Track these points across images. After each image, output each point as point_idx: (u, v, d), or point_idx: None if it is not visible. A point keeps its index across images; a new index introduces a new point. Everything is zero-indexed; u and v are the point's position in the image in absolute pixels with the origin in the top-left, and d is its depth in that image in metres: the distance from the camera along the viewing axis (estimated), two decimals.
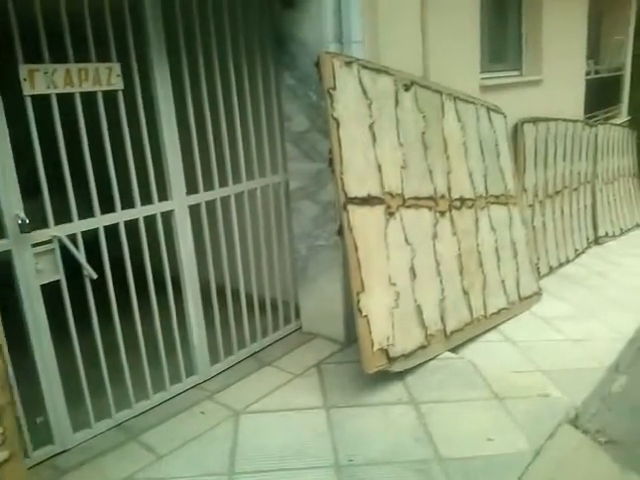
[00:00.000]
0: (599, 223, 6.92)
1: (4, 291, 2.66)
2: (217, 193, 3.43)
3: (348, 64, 3.34)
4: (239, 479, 2.68)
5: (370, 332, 3.23)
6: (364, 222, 3.32)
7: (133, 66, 2.92)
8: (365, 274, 3.25)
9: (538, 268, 5.54)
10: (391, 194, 3.54)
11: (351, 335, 3.71)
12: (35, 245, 2.68)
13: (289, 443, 2.90)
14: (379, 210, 3.44)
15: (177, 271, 3.33)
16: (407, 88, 3.78)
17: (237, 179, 3.55)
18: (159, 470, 2.76)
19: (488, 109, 4.79)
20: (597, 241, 6.86)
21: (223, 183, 3.47)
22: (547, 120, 5.82)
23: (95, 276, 2.86)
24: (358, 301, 3.20)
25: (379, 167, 3.48)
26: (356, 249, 3.22)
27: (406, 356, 3.46)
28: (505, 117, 5.05)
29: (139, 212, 3.06)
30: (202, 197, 3.35)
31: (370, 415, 3.13)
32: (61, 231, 2.74)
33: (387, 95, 3.61)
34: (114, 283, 3.04)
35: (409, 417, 3.10)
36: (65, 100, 2.70)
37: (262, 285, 3.89)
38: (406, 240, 3.61)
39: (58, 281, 2.79)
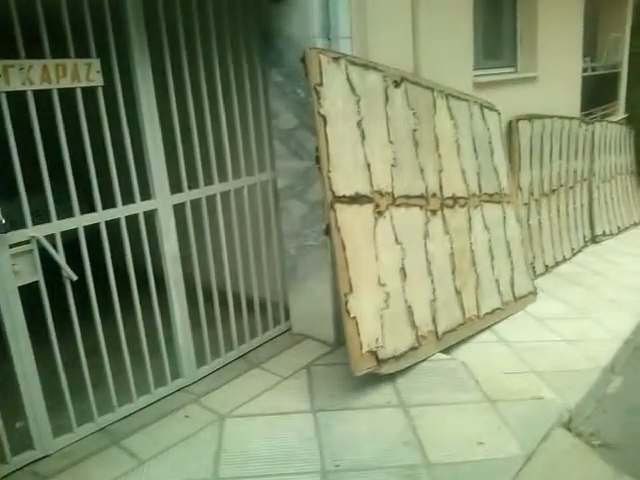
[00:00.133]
0: (596, 221, 6.85)
1: None
2: (202, 192, 3.36)
3: (335, 60, 3.27)
4: None
5: (359, 334, 3.16)
6: (352, 221, 3.25)
7: (113, 62, 2.85)
8: (353, 274, 3.18)
9: (534, 267, 5.47)
10: (380, 193, 3.47)
11: (341, 336, 3.64)
12: (12, 246, 2.61)
13: (275, 448, 2.84)
14: (368, 209, 3.37)
15: (162, 271, 3.25)
16: (397, 84, 3.71)
17: (223, 178, 3.48)
18: (141, 476, 2.69)
19: (481, 106, 4.72)
20: (594, 240, 6.79)
21: (209, 182, 3.40)
22: (542, 117, 5.75)
23: (75, 277, 2.80)
24: (346, 302, 3.13)
25: (368, 165, 3.40)
26: (344, 249, 3.15)
27: (396, 358, 3.39)
28: (499, 114, 4.98)
29: (120, 212, 2.99)
30: (187, 196, 3.28)
31: (358, 419, 3.06)
32: (39, 232, 2.67)
33: (376, 92, 3.54)
34: (97, 284, 2.97)
35: (398, 421, 3.03)
36: (43, 97, 2.63)
37: (250, 285, 3.82)
38: (396, 239, 3.53)
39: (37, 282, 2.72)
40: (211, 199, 3.42)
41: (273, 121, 3.70)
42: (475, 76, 4.93)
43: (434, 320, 3.75)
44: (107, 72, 2.85)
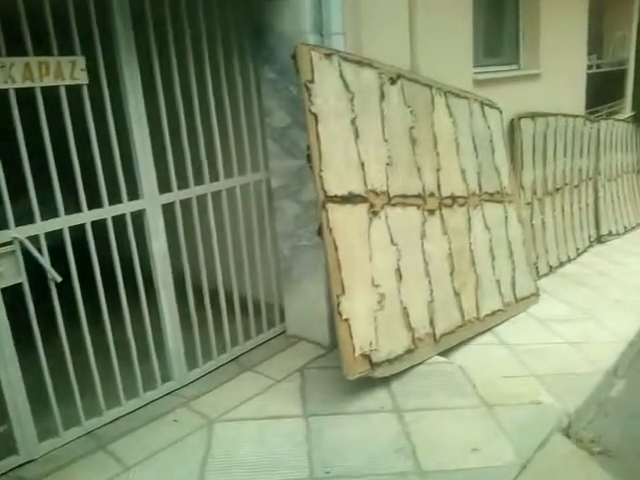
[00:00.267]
0: (602, 221, 6.72)
1: None
2: (193, 192, 3.30)
3: (328, 56, 3.19)
4: None
5: (351, 336, 3.09)
6: (345, 221, 3.18)
7: (99, 59, 2.79)
8: (346, 276, 3.10)
9: (537, 268, 5.37)
10: (375, 192, 3.39)
11: (336, 339, 3.52)
12: None
13: (263, 454, 2.77)
14: (362, 209, 3.30)
15: (151, 272, 3.20)
16: (393, 82, 3.63)
17: (215, 177, 3.42)
18: None
19: (482, 104, 4.63)
20: (600, 240, 6.66)
21: (199, 181, 3.33)
22: (546, 115, 5.64)
23: (59, 279, 2.74)
24: (338, 304, 3.05)
25: (362, 164, 3.33)
26: (336, 249, 3.08)
27: (391, 361, 3.32)
28: (501, 112, 4.88)
29: (107, 212, 2.93)
30: (176, 196, 3.22)
31: (351, 424, 2.99)
32: (22, 233, 2.61)
33: (371, 89, 3.46)
34: (86, 286, 2.92)
35: (392, 426, 2.96)
36: (26, 95, 2.58)
37: (244, 287, 3.75)
38: (391, 240, 3.46)
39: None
40: (202, 199, 3.35)
41: (266, 119, 3.63)
42: (475, 73, 4.84)
43: (431, 322, 3.67)
44: (93, 70, 2.79)
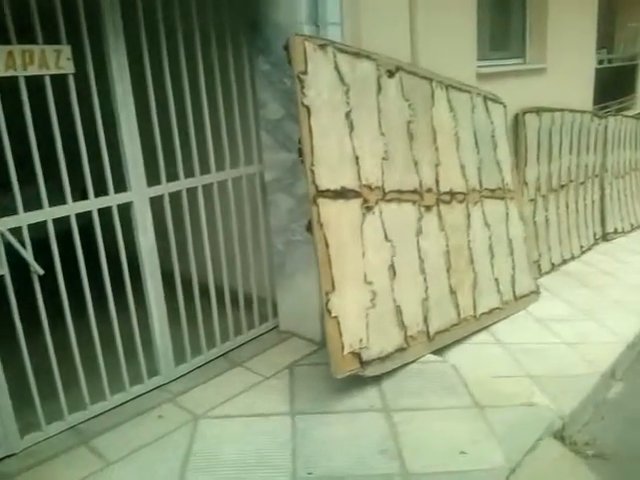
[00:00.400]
0: (608, 219, 6.60)
1: None
2: (182, 184, 3.24)
3: (322, 47, 3.12)
4: None
5: (340, 334, 3.03)
6: (337, 217, 3.11)
7: (85, 47, 2.73)
8: (336, 272, 3.04)
9: (539, 265, 5.29)
10: (369, 187, 3.32)
11: None
12: None
13: (246, 452, 2.72)
14: (355, 204, 3.23)
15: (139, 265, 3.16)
16: (391, 74, 3.55)
17: (206, 170, 3.36)
18: (106, 478, 2.60)
19: (485, 98, 4.53)
20: (605, 237, 6.55)
21: (189, 174, 3.27)
22: (552, 110, 5.53)
23: (41, 272, 2.70)
24: (327, 301, 2.99)
25: (356, 158, 3.26)
26: (327, 246, 3.02)
27: (382, 359, 3.26)
28: (505, 107, 4.79)
29: (93, 204, 2.88)
30: (165, 188, 3.17)
31: (338, 423, 2.94)
32: (3, 225, 2.57)
33: (368, 81, 3.38)
34: (73, 279, 2.88)
35: (380, 426, 2.90)
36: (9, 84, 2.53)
37: (235, 281, 3.70)
38: (385, 236, 3.39)
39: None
40: (192, 192, 3.29)
41: (260, 111, 3.57)
42: (479, 67, 4.74)
43: (425, 320, 3.60)
44: (80, 59, 2.74)
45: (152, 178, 3.12)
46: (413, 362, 3.47)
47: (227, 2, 3.31)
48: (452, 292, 3.87)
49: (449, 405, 3.07)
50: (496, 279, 4.35)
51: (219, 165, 3.43)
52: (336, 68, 3.19)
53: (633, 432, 3.16)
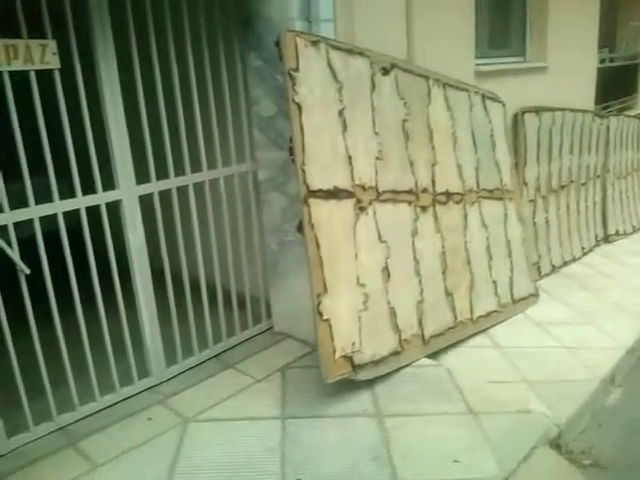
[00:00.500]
0: (609, 220, 6.53)
1: None
2: (172, 182, 3.19)
3: (314, 43, 3.05)
4: None
5: (332, 337, 2.97)
6: (329, 217, 3.05)
7: (72, 42, 2.67)
8: (328, 274, 2.98)
9: (539, 267, 5.22)
10: (363, 187, 3.26)
11: None
12: None
13: (235, 457, 2.67)
14: (348, 204, 3.16)
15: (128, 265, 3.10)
16: (386, 72, 3.48)
17: (197, 168, 3.30)
18: None
19: (484, 97, 4.46)
20: (607, 239, 6.47)
21: (180, 172, 3.21)
22: (552, 110, 5.46)
23: (27, 271, 2.65)
24: (318, 303, 2.93)
25: (349, 157, 3.19)
26: (318, 247, 2.95)
27: (375, 363, 3.20)
28: (504, 106, 4.72)
29: (80, 202, 2.82)
30: (155, 187, 3.11)
31: (329, 428, 2.87)
32: None
33: (361, 79, 3.32)
34: (63, 278, 2.83)
35: (371, 432, 2.84)
36: None
37: (229, 282, 3.63)
38: (379, 237, 3.32)
39: None
40: (183, 190, 3.23)
41: (253, 109, 3.51)
42: (478, 65, 4.67)
43: (420, 323, 3.54)
44: (68, 54, 2.68)
45: (142, 176, 3.06)
46: (408, 366, 3.41)
47: None
48: (448, 294, 3.80)
49: (443, 411, 3.01)
50: (494, 281, 4.28)
51: (211, 163, 3.37)
52: (329, 65, 3.12)
53: (631, 440, 3.10)
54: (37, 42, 2.57)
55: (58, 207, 2.75)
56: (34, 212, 2.67)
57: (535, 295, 4.69)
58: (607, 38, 6.96)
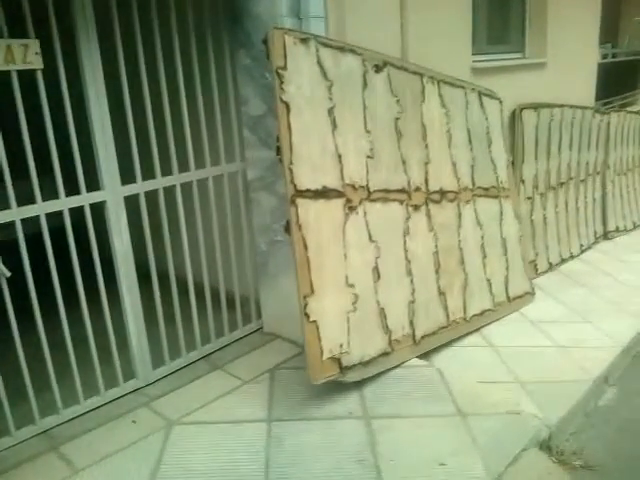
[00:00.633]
0: (609, 217, 6.46)
1: None
2: (159, 183, 3.15)
3: (304, 41, 3.00)
4: None
5: (319, 339, 2.93)
6: (317, 217, 3.01)
7: (55, 40, 2.63)
8: (315, 275, 2.94)
9: (536, 265, 5.17)
10: (353, 186, 3.22)
11: None
12: None
13: (218, 462, 2.64)
14: (337, 204, 3.12)
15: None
16: (378, 69, 3.43)
17: (185, 168, 3.26)
18: None
19: (480, 94, 4.41)
20: (606, 236, 6.41)
21: (167, 172, 3.18)
22: (550, 106, 5.39)
23: (8, 274, 2.62)
24: (305, 305, 2.90)
25: (339, 156, 3.15)
26: (305, 248, 2.92)
27: (364, 364, 3.16)
28: (501, 102, 4.66)
29: (63, 203, 2.79)
30: (141, 187, 3.08)
31: (315, 430, 2.85)
32: None
33: (353, 77, 3.27)
34: (46, 280, 2.81)
35: (357, 434, 2.81)
36: None
37: (217, 283, 3.60)
38: (370, 237, 3.28)
39: None
40: (170, 191, 3.20)
41: (242, 108, 3.46)
42: (475, 61, 4.61)
43: (411, 323, 3.50)
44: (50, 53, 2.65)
45: (128, 176, 3.03)
46: (398, 367, 3.38)
47: None
48: (441, 294, 3.76)
49: (431, 413, 2.97)
50: (488, 280, 4.24)
51: (199, 163, 3.34)
52: (318, 63, 3.08)
53: (624, 441, 3.06)
54: (19, 42, 2.53)
55: (40, 209, 2.72)
56: (15, 214, 2.64)
57: (531, 293, 4.64)
58: (609, 33, 6.86)
